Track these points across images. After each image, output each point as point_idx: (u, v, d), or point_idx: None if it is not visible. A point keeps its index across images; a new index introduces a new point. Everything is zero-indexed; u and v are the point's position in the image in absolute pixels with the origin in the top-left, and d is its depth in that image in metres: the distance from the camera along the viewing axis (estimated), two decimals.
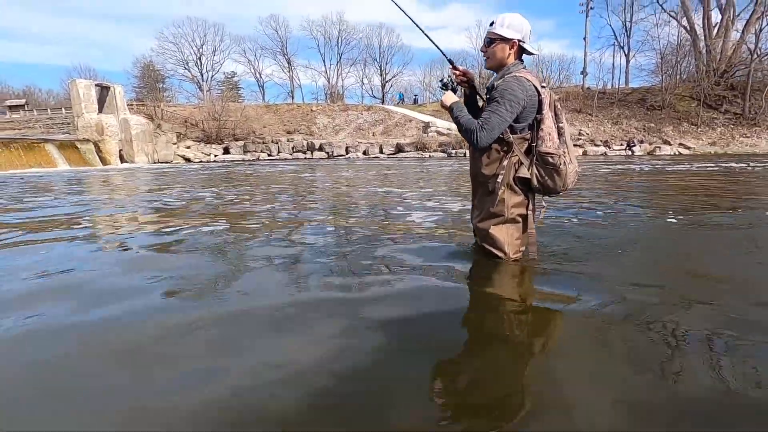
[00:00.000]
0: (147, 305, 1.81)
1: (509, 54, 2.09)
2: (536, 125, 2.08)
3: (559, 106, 2.13)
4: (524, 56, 2.17)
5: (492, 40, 2.10)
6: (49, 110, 34.26)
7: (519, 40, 2.06)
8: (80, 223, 4.02)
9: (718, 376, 1.19)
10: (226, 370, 1.26)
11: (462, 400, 1.13)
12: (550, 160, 2.06)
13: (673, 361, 1.28)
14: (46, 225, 4.00)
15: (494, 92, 2.03)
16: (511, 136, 2.07)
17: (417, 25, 2.44)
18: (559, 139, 2.09)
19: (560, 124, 2.10)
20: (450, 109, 2.15)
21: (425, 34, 2.44)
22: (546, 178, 2.09)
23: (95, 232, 3.68)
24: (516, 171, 2.11)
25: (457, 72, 2.23)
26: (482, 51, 2.18)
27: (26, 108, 38.70)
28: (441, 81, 2.25)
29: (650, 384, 1.16)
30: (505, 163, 2.10)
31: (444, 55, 2.32)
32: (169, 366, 1.31)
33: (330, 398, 1.12)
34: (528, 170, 2.10)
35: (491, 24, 2.11)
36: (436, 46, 2.41)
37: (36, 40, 79.05)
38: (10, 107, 39.00)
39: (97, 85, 23.06)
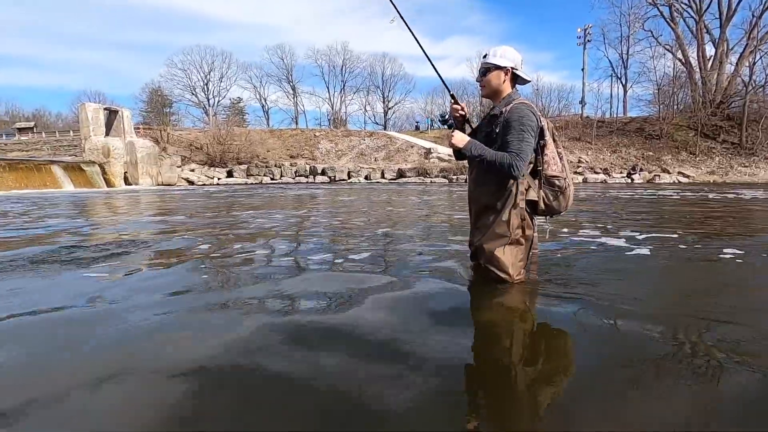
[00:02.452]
0: None
1: (504, 80, 2.20)
2: (540, 150, 2.17)
3: (556, 133, 2.23)
4: (519, 86, 2.28)
5: (487, 70, 2.21)
6: (57, 133, 35.02)
7: (512, 68, 2.18)
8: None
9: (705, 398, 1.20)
10: None
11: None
12: (557, 182, 2.16)
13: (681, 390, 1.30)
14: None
15: (510, 121, 2.08)
16: None
17: (429, 59, 2.46)
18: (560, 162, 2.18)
19: (559, 150, 2.19)
20: (466, 150, 2.14)
21: (434, 68, 2.46)
22: (552, 199, 2.18)
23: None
24: (525, 194, 2.18)
25: (458, 107, 2.31)
26: (478, 81, 2.30)
27: (35, 130, 39.59)
28: (442, 117, 2.32)
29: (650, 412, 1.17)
30: (518, 187, 2.15)
31: (448, 89, 2.40)
32: None
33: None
34: (536, 193, 2.17)
35: (485, 56, 2.23)
36: (443, 81, 2.50)
37: (49, 67, 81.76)
38: (20, 129, 39.92)
39: (105, 108, 23.58)
